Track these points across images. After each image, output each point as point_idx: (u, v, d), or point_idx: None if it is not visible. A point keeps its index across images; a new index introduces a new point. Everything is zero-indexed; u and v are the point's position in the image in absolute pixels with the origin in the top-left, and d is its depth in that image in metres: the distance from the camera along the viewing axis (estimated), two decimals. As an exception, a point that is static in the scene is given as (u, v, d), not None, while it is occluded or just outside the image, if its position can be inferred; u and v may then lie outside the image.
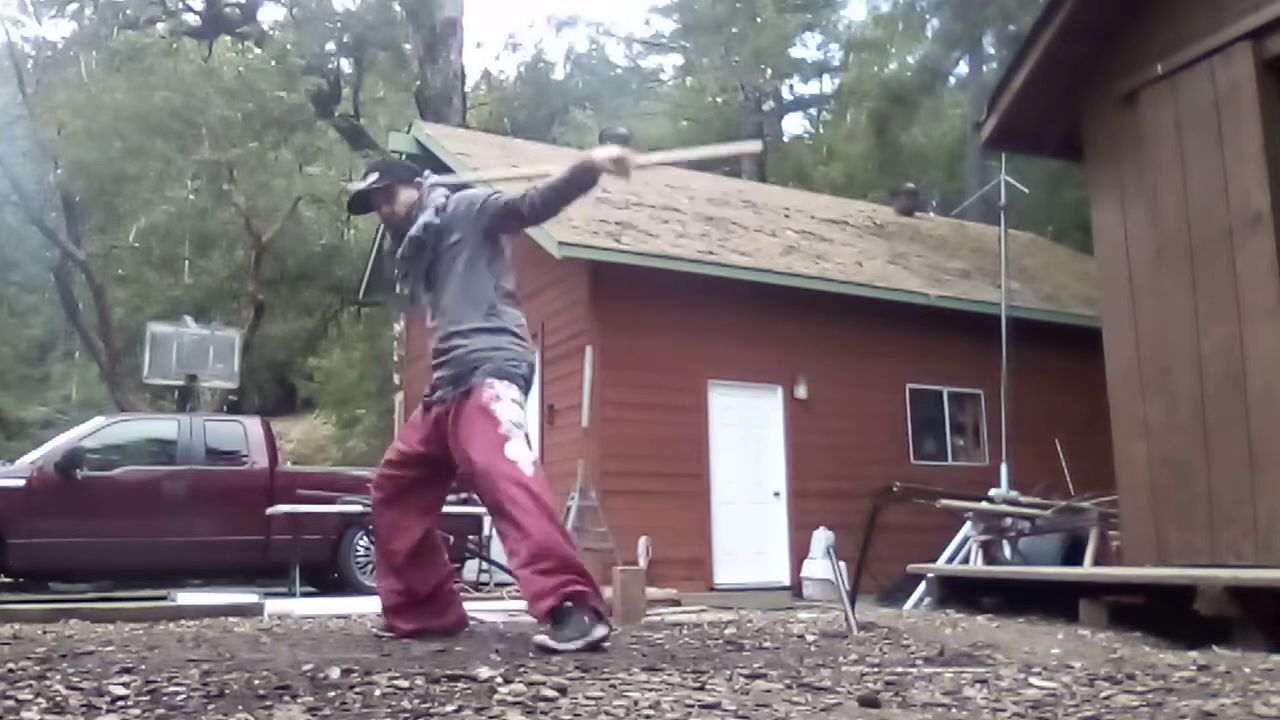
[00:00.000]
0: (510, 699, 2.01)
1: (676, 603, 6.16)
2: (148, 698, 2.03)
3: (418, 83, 19.23)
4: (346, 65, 23.00)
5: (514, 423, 3.28)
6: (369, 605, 5.88)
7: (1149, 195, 5.45)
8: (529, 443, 3.31)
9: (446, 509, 4.13)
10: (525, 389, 3.44)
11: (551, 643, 2.92)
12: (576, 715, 1.89)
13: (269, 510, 8.28)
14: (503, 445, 3.22)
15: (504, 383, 3.35)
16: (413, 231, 3.47)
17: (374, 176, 3.65)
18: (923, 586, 6.00)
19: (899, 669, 2.60)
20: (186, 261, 22.59)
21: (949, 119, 25.46)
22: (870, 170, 24.49)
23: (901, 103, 22.78)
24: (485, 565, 8.32)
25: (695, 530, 9.72)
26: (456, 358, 3.41)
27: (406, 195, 3.56)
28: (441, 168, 11.63)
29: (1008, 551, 7.34)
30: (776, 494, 10.28)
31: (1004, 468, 8.17)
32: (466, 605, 3.82)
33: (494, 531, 3.85)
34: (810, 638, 3.56)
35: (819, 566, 9.42)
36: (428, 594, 3.54)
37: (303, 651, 2.97)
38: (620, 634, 3.62)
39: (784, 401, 10.44)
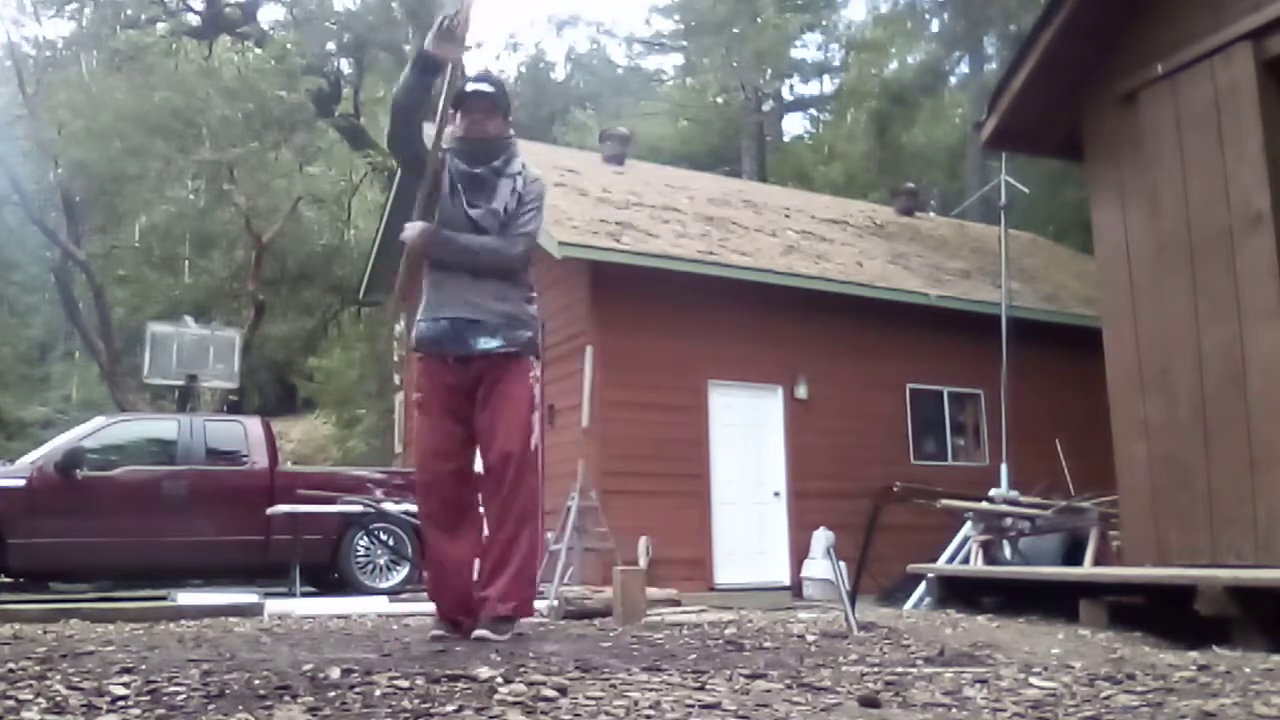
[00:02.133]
0: (510, 699, 2.00)
1: (677, 603, 6.15)
2: (148, 698, 2.03)
3: (418, 83, 19.18)
4: (346, 65, 23.00)
5: (537, 405, 3.47)
6: (369, 605, 5.90)
7: (1149, 195, 5.45)
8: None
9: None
10: None
11: (493, 635, 3.21)
12: (576, 715, 1.89)
13: (269, 510, 8.29)
14: (529, 439, 3.38)
15: (538, 363, 3.52)
16: (511, 173, 3.49)
17: (487, 86, 3.51)
18: (923, 586, 6.00)
19: (899, 669, 2.60)
20: (186, 261, 22.52)
21: (949, 119, 25.44)
22: (870, 170, 24.46)
23: (902, 103, 22.78)
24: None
25: (695, 530, 9.72)
26: (507, 312, 3.43)
27: (499, 124, 3.49)
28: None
29: (1008, 551, 7.34)
30: (776, 494, 10.28)
31: (1004, 468, 8.16)
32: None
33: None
34: (810, 638, 3.55)
35: (819, 566, 9.42)
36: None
37: (303, 651, 2.96)
38: (621, 634, 3.62)
39: (784, 401, 10.44)
